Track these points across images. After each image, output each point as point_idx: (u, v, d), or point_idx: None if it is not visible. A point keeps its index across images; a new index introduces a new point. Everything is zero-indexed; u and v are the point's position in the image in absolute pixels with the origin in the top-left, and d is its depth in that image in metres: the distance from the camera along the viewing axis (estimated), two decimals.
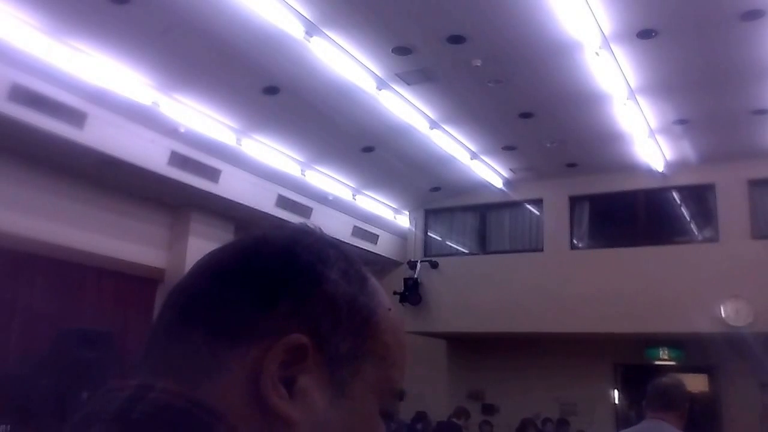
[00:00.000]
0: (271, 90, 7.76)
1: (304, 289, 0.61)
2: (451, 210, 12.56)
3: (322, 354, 0.59)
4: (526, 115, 8.93)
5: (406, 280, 11.71)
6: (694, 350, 10.43)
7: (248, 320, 0.59)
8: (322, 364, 0.59)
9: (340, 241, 0.70)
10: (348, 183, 10.84)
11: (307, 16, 6.49)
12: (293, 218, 10.16)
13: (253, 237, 0.66)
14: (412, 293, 11.56)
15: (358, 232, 11.69)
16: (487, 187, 11.51)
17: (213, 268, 0.64)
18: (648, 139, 9.46)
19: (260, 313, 0.59)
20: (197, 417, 0.55)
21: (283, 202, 10.06)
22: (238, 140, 8.65)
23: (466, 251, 12.62)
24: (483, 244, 12.30)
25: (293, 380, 0.58)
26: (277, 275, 0.61)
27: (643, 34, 6.84)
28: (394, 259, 12.57)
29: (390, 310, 0.67)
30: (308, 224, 0.70)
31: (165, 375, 0.59)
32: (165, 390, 0.57)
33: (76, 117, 7.13)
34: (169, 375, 0.58)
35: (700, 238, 11.01)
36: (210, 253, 0.66)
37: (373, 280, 0.68)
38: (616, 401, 11.46)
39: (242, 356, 0.58)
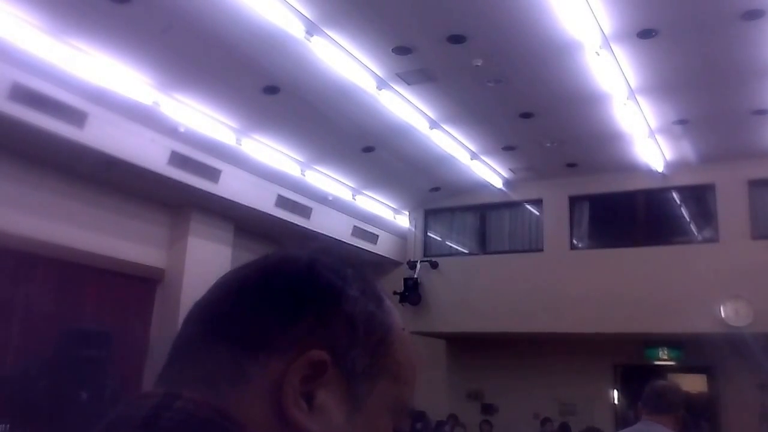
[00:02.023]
0: (271, 90, 7.76)
1: (325, 306, 0.63)
2: (450, 210, 12.56)
3: (339, 369, 0.62)
4: (526, 115, 8.93)
5: (405, 280, 11.71)
6: (694, 350, 10.44)
7: (271, 335, 0.62)
8: (339, 380, 0.62)
9: (357, 263, 0.72)
10: (348, 183, 10.83)
11: (308, 16, 6.49)
12: (293, 218, 10.17)
13: (276, 256, 0.69)
14: (411, 293, 11.57)
15: (357, 232, 11.68)
16: (486, 187, 11.51)
17: (237, 284, 0.67)
18: (648, 139, 9.46)
19: (282, 329, 0.62)
20: (222, 427, 0.57)
21: (282, 202, 10.05)
22: (238, 140, 8.65)
23: (465, 251, 12.62)
24: (483, 244, 12.30)
25: (312, 395, 0.60)
26: (299, 293, 0.64)
27: (644, 34, 6.84)
28: (394, 259, 12.56)
29: (403, 329, 0.70)
30: (327, 245, 0.72)
31: (190, 385, 0.60)
32: (191, 399, 0.58)
33: (76, 116, 7.13)
34: (193, 385, 0.60)
35: (699, 238, 11.02)
36: (234, 270, 0.69)
37: (388, 300, 0.70)
38: (616, 401, 11.46)
39: (264, 369, 0.60)
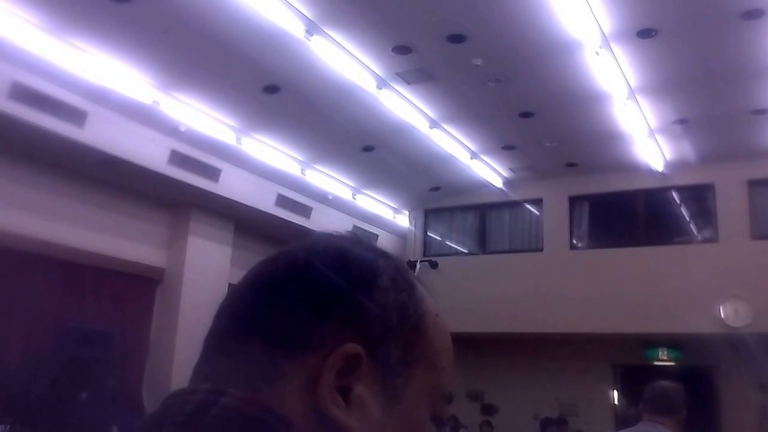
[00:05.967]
0: (271, 89, 7.76)
1: (356, 299, 0.63)
2: (450, 210, 12.55)
3: (374, 362, 0.61)
4: (526, 115, 8.93)
5: None
6: (694, 351, 10.43)
7: (303, 330, 0.61)
8: (374, 372, 0.61)
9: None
10: (348, 182, 10.83)
11: (308, 15, 6.49)
12: (293, 218, 10.16)
13: (303, 247, 0.68)
14: None
15: (357, 231, 11.66)
16: (486, 186, 11.51)
17: (266, 278, 0.66)
18: (648, 139, 9.46)
19: (315, 324, 0.61)
20: (269, 424, 0.57)
21: (282, 201, 10.04)
22: (238, 139, 8.65)
23: (465, 251, 12.62)
24: (483, 244, 12.29)
25: (349, 389, 0.60)
26: (330, 286, 0.63)
27: (643, 34, 6.84)
28: None
29: (437, 316, 0.69)
30: (355, 233, 0.72)
31: (228, 381, 0.60)
32: (238, 396, 0.58)
33: (76, 115, 7.12)
34: (231, 381, 0.60)
35: (699, 238, 11.02)
36: (261, 262, 0.68)
37: (421, 287, 0.70)
38: (616, 402, 11.46)
39: (299, 365, 0.60)
